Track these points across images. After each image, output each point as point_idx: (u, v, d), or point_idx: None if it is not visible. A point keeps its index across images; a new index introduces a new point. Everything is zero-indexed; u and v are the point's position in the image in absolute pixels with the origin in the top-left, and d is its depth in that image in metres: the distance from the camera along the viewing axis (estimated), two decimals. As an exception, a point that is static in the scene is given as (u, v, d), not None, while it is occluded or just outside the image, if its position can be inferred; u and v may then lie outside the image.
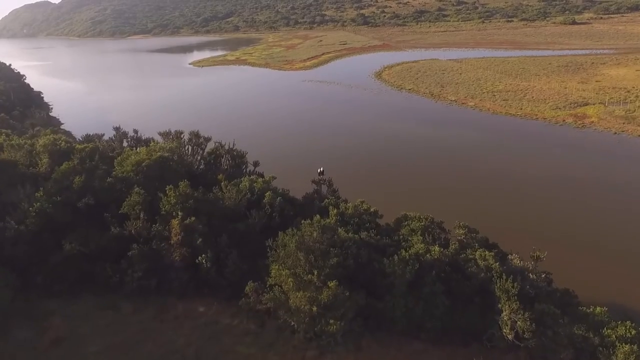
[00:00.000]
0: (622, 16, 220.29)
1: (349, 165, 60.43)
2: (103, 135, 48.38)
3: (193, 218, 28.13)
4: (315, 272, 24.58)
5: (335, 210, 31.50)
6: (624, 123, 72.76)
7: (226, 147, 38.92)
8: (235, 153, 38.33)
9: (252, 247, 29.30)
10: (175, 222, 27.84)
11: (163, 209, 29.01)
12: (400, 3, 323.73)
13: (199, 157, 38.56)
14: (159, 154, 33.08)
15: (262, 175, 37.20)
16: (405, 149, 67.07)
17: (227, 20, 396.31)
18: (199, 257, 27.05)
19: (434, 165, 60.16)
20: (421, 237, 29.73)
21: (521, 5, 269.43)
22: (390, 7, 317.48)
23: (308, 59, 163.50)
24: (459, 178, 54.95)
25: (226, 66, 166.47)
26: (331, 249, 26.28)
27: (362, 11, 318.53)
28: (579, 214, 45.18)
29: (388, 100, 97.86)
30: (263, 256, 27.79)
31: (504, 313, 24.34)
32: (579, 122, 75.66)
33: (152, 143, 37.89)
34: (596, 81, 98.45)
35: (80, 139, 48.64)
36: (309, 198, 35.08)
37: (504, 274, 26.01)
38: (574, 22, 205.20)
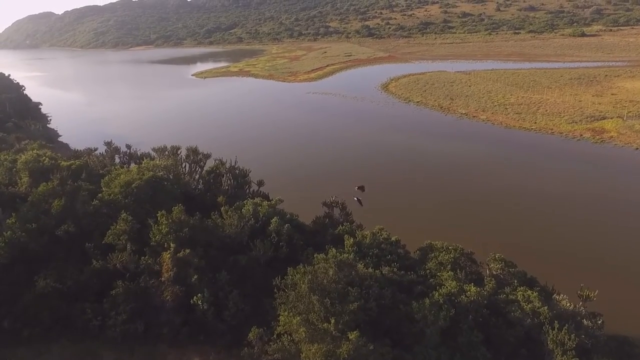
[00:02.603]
0: (632, 28, 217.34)
1: (358, 182, 56.49)
2: (95, 150, 44.67)
3: (188, 250, 24.20)
4: (333, 320, 20.54)
5: (352, 240, 27.54)
6: (646, 138, 68.82)
7: (227, 164, 35.10)
8: (237, 172, 34.48)
9: (256, 283, 25.33)
10: (166, 255, 23.90)
11: (153, 238, 25.09)
12: (405, 15, 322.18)
13: (197, 176, 34.74)
14: (151, 173, 29.21)
15: (267, 197, 33.33)
16: (420, 165, 63.09)
17: (231, 31, 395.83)
18: (194, 297, 23.06)
19: (450, 183, 56.14)
20: (452, 273, 25.71)
21: (528, 17, 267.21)
22: (395, 18, 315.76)
23: (312, 70, 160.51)
24: (477, 197, 51.01)
25: (229, 77, 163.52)
26: (349, 288, 22.30)
27: (366, 23, 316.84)
28: (612, 238, 41.10)
29: (396, 113, 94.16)
30: (269, 294, 23.79)
31: (561, 372, 20.23)
32: (597, 136, 71.76)
33: (145, 160, 34.06)
34: (612, 94, 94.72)
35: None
36: (320, 224, 31.12)
37: (555, 321, 21.98)
38: (583, 34, 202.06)
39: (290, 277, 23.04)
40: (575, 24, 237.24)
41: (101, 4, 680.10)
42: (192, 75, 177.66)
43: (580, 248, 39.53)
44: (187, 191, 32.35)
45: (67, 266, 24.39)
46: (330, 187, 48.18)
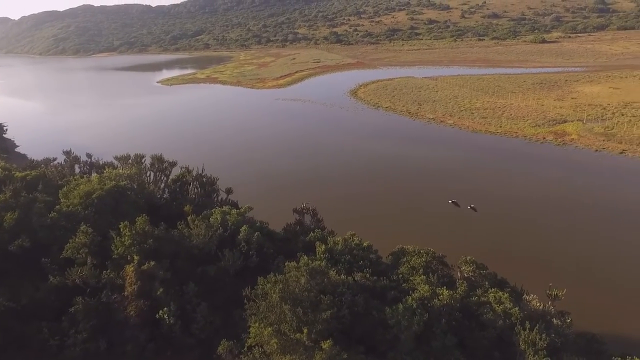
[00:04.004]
0: (589, 35, 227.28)
1: (330, 189, 56.23)
2: (54, 160, 42.68)
3: (152, 262, 23.15)
4: (305, 330, 19.98)
5: (323, 247, 27.07)
6: (604, 140, 71.45)
7: (194, 172, 34.06)
8: (204, 180, 33.49)
9: (225, 294, 24.50)
10: (130, 269, 22.79)
11: (116, 251, 23.91)
12: (372, 21, 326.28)
13: (162, 185, 33.54)
14: (113, 182, 27.95)
15: (236, 205, 32.49)
16: (389, 170, 63.37)
17: (197, 38, 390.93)
18: (160, 311, 22.05)
19: (419, 187, 56.59)
20: (424, 277, 25.60)
21: (491, 24, 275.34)
22: (363, 25, 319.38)
23: (281, 77, 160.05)
24: (446, 200, 51.57)
25: (196, 84, 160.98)
26: (322, 296, 21.79)
27: (334, 29, 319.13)
28: (576, 237, 42.22)
29: (366, 119, 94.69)
30: (239, 305, 23.02)
31: (533, 372, 20.30)
32: (559, 139, 74.06)
33: (107, 170, 32.66)
34: (572, 98, 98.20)
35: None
36: (290, 231, 30.53)
37: (526, 321, 22.11)
38: (543, 41, 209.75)
39: (261, 286, 22.37)
40: (536, 30, 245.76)
41: (60, 10, 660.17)
42: (157, 82, 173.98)
43: (546, 248, 40.37)
44: (151, 201, 31.15)
45: (22, 283, 22.91)
46: (301, 194, 47.65)
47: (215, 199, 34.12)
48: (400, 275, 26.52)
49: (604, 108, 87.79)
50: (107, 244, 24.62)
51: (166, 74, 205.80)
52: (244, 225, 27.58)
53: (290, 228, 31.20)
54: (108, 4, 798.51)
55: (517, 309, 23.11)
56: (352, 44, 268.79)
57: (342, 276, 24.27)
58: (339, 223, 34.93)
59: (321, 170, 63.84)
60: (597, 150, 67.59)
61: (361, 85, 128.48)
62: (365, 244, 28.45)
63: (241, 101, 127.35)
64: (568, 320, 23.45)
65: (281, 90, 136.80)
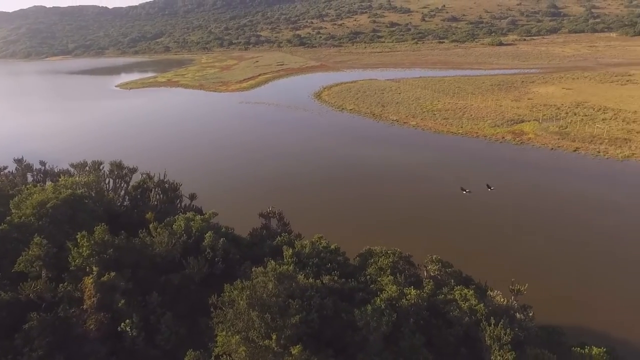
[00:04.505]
0: (543, 38, 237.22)
1: (296, 192, 56.04)
2: (5, 168, 40.48)
3: (113, 273, 22.25)
4: (274, 336, 19.67)
5: (291, 251, 26.83)
6: (558, 139, 74.47)
7: (156, 179, 33.05)
8: (166, 186, 32.57)
9: (191, 303, 23.86)
10: (88, 280, 21.81)
11: (73, 263, 22.84)
12: (335, 24, 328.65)
13: (122, 193, 32.37)
14: (69, 191, 26.72)
15: (200, 211, 31.74)
16: (353, 172, 63.78)
17: (157, 40, 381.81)
18: (122, 324, 21.18)
19: (384, 188, 57.18)
20: (391, 277, 25.77)
21: (451, 27, 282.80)
22: (326, 28, 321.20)
23: (244, 80, 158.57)
24: (411, 200, 52.38)
25: (157, 88, 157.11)
26: (290, 301, 21.53)
27: (297, 32, 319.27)
28: (535, 232, 43.72)
29: (330, 122, 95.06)
30: (205, 313, 22.46)
31: (499, 367, 20.73)
32: (517, 138, 76.67)
33: (63, 178, 31.23)
34: (528, 99, 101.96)
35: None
36: (257, 236, 30.11)
37: (491, 317, 22.60)
38: (500, 44, 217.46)
39: (228, 293, 21.89)
40: (493, 33, 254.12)
41: (10, 11, 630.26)
42: (116, 86, 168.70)
43: (507, 244, 41.62)
44: (111, 209, 30.01)
45: (-30, 300, 21.51)
46: (267, 198, 47.24)
47: (179, 205, 33.25)
48: (368, 277, 26.62)
49: (558, 108, 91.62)
50: (63, 255, 23.48)
51: (125, 77, 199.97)
52: (209, 232, 26.97)
53: (256, 233, 30.78)
54: (61, 5, 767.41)
55: (482, 305, 23.59)
56: (316, 46, 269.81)
57: (311, 280, 24.09)
58: (306, 226, 34.77)
59: (287, 174, 63.53)
60: (552, 149, 70.35)
61: (325, 88, 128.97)
62: (332, 247, 28.39)
63: (204, 105, 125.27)
64: (530, 314, 24.14)
65: (245, 93, 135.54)
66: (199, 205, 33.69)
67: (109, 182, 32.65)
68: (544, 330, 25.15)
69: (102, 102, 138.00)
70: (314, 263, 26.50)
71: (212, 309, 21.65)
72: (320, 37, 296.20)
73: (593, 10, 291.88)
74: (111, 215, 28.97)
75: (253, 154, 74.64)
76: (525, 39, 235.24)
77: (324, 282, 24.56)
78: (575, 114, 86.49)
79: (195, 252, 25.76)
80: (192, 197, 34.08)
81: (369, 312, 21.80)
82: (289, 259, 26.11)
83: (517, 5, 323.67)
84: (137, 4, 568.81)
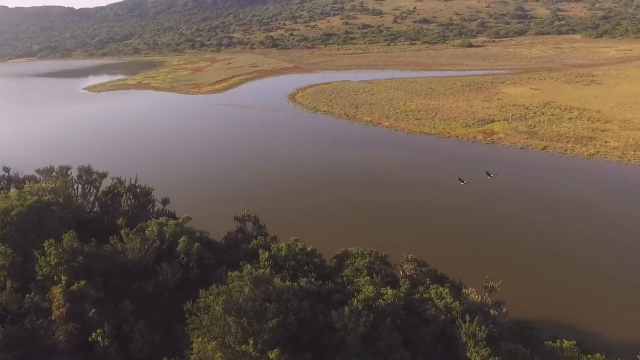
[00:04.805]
0: (511, 39, 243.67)
1: (271, 194, 55.75)
2: (-34, 174, 38.72)
3: (83, 282, 21.56)
4: (251, 341, 19.41)
5: (267, 254, 26.59)
6: (527, 138, 76.54)
7: (127, 183, 32.26)
8: (138, 190, 31.82)
9: (165, 310, 23.35)
10: (57, 290, 21.06)
11: (40, 272, 22.02)
12: (308, 26, 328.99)
13: (91, 198, 31.47)
14: (35, 198, 25.80)
15: (173, 216, 31.15)
16: (328, 173, 63.95)
17: (126, 42, 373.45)
18: (93, 334, 20.53)
19: (359, 188, 57.52)
20: (368, 278, 25.85)
21: (422, 29, 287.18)
22: (299, 29, 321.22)
23: (217, 82, 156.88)
24: (385, 200, 52.85)
25: (127, 91, 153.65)
26: (267, 304, 21.33)
27: (270, 33, 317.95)
28: (506, 229, 44.77)
29: (304, 123, 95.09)
30: (180, 320, 22.02)
31: (475, 363, 21.07)
32: (488, 138, 78.44)
33: (28, 184, 30.12)
34: (498, 99, 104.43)
35: None
36: (232, 240, 29.75)
37: (466, 314, 22.93)
38: (470, 45, 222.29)
39: (203, 299, 21.52)
40: (463, 35, 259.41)
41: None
42: (84, 89, 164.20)
43: (478, 242, 42.43)
44: (80, 215, 29.09)
45: None
46: (242, 201, 46.79)
47: (151, 210, 32.53)
48: (345, 278, 26.64)
49: (527, 108, 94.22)
50: (29, 265, 22.61)
51: (93, 80, 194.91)
52: (183, 236, 26.46)
53: (231, 236, 30.41)
54: (25, 6, 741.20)
55: (457, 303, 23.91)
56: (289, 48, 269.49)
57: (287, 282, 23.92)
58: (282, 229, 34.58)
59: (261, 176, 63.15)
60: (522, 148, 72.32)
61: (299, 90, 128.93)
62: (309, 249, 28.29)
63: (176, 107, 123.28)
64: (504, 310, 24.62)
65: (218, 95, 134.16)
66: (172, 210, 33.08)
67: (77, 187, 31.66)
68: (517, 325, 25.71)
69: (70, 105, 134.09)
70: (290, 266, 26.33)
71: (187, 316, 21.24)
72: (293, 38, 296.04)
73: (558, 13, 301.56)
74: (80, 222, 28.09)
75: (227, 157, 73.95)
76: (494, 41, 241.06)
77: (300, 284, 24.42)
78: (543, 114, 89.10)
79: (169, 257, 25.22)
80: (165, 201, 33.42)
81: (346, 313, 21.79)
82: (265, 262, 25.88)
83: (486, 7, 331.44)
84: (105, 5, 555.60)
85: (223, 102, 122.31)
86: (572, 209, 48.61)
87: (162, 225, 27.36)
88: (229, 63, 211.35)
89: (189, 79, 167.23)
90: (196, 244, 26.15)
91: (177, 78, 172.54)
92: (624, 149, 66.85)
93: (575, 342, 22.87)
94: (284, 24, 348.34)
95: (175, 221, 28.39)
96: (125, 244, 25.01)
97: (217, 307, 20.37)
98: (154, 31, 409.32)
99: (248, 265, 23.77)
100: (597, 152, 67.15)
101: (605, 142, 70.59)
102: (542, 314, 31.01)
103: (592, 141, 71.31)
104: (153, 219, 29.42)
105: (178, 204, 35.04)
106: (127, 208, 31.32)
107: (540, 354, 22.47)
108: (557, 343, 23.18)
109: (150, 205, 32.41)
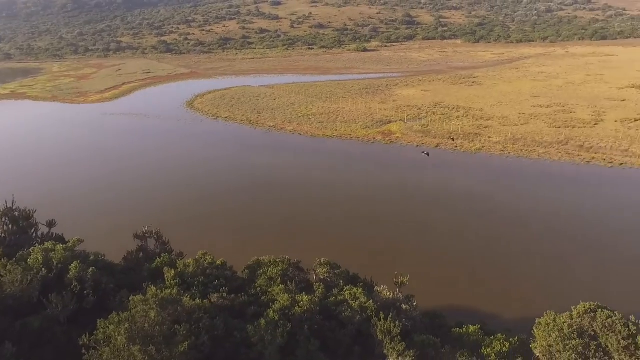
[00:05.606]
0: (401, 44, 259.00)
1: (172, 207, 52.87)
2: None
3: (-52, 327, 18.26)
4: (161, 370, 17.86)
5: (173, 272, 24.85)
6: (422, 136, 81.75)
7: (2, 207, 28.21)
8: (17, 214, 27.96)
9: (57, 347, 20.66)
10: None
11: None
12: (203, 30, 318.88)
13: (-43, 227, 26.97)
14: None
15: (62, 240, 27.85)
16: (232, 181, 62.33)
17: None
18: (-35, 388, 17.47)
19: (262, 195, 56.81)
20: (282, 286, 25.36)
21: (319, 34, 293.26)
22: (194, 34, 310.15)
23: (106, 89, 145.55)
24: (291, 204, 52.88)
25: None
26: (177, 327, 19.86)
27: (163, 38, 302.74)
28: (408, 223, 47.17)
29: (205, 130, 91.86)
30: (77, 357, 19.58)
31: (392, 358, 21.59)
32: (387, 138, 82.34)
33: None
34: (393, 101, 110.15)
35: None
36: (132, 260, 27.39)
37: (380, 312, 23.44)
38: (365, 50, 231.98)
39: (102, 330, 19.36)
40: (358, 40, 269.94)
41: None
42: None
43: (382, 237, 44.11)
44: (-58, 248, 24.75)
45: None
46: (140, 217, 43.66)
47: (34, 235, 28.76)
48: (259, 288, 25.86)
49: (419, 108, 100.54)
50: None
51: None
52: (75, 262, 23.70)
53: (132, 256, 28.00)
54: None
55: (371, 301, 24.38)
56: (184, 53, 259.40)
57: (198, 300, 22.53)
58: (187, 244, 32.77)
59: (160, 188, 59.67)
60: (418, 146, 76.96)
61: (197, 96, 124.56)
62: (219, 262, 27.03)
63: (59, 118, 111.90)
64: (414, 304, 25.62)
65: (108, 104, 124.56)
66: (60, 233, 29.56)
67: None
68: (427, 315, 26.93)
69: None
70: (199, 282, 24.89)
71: (84, 351, 18.94)
72: (189, 43, 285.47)
73: (441, 20, 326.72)
74: (-58, 256, 23.88)
75: (121, 170, 68.64)
76: (386, 46, 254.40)
77: (212, 300, 23.18)
78: (434, 113, 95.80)
79: (58, 287, 22.40)
80: (51, 224, 29.77)
81: (262, 326, 21.07)
82: (172, 281, 24.16)
83: (377, 14, 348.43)
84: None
85: (115, 111, 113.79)
86: (468, 199, 52.71)
87: (49, 251, 24.29)
88: (119, 69, 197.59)
89: (74, 87, 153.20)
90: (91, 268, 23.58)
91: (59, 86, 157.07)
92: (505, 143, 74.27)
93: (479, 326, 24.52)
94: (178, 28, 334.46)
95: (65, 245, 25.39)
96: (2, 276, 21.73)
97: (120, 337, 18.45)
98: (28, 35, 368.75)
99: (152, 287, 21.96)
100: (483, 147, 73.74)
101: (489, 137, 77.80)
102: (448, 303, 32.95)
103: (477, 137, 78.13)
104: (37, 244, 26.05)
105: (67, 226, 31.50)
106: (3, 235, 27.35)
107: (449, 341, 23.63)
108: (464, 329, 24.68)
109: (33, 230, 28.65)
